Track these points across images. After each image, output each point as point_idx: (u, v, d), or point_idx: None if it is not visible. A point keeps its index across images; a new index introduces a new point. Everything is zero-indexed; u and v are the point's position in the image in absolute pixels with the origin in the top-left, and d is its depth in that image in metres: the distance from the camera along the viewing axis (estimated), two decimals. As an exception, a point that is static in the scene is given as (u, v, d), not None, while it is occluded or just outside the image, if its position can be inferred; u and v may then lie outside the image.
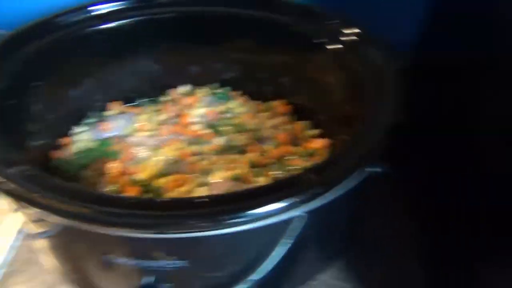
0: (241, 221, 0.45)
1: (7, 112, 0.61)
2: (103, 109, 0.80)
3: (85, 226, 0.48)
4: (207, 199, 0.45)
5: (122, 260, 0.53)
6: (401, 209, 0.76)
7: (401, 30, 0.78)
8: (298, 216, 0.50)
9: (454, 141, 0.63)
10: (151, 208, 0.45)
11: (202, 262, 0.52)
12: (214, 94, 0.81)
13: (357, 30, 0.64)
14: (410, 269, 0.68)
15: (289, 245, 0.56)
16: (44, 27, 0.70)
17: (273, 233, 0.54)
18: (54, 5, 0.73)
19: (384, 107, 0.56)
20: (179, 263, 0.51)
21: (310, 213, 0.51)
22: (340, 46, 0.64)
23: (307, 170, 0.48)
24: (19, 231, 0.75)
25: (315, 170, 0.48)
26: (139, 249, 0.52)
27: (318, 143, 0.71)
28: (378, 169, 0.55)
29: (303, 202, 0.47)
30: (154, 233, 0.47)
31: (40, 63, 0.68)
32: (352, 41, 0.63)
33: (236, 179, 0.67)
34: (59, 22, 0.72)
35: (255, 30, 0.72)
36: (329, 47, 0.65)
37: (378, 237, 0.72)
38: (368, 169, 0.52)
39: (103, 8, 0.74)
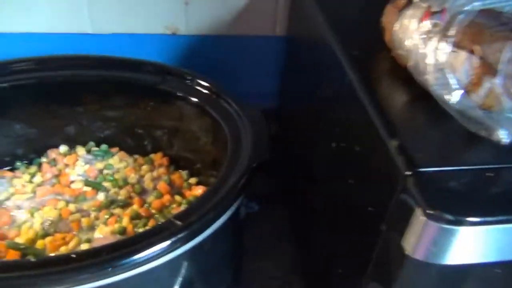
0: (113, 272, 0.49)
1: None
2: (-24, 175, 0.79)
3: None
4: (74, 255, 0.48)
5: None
6: (282, 239, 0.83)
7: (262, 85, 0.89)
8: (174, 259, 0.54)
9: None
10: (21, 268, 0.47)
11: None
12: (93, 152, 0.84)
13: (212, 85, 0.72)
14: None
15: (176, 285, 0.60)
16: None
17: (157, 276, 0.57)
18: None
19: (243, 149, 0.63)
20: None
21: (188, 254, 0.56)
22: (200, 99, 0.71)
23: (174, 217, 0.53)
24: None
25: (181, 215, 0.53)
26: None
27: (197, 190, 0.76)
28: (253, 207, 0.62)
29: (172, 247, 0.51)
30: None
31: None
32: (209, 94, 0.71)
33: (120, 232, 0.70)
34: None
35: (126, 89, 0.77)
36: (191, 100, 0.72)
37: (268, 273, 0.79)
38: (240, 208, 0.58)
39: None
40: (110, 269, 0.49)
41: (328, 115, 0.61)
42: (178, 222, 0.52)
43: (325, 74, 0.62)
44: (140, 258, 0.50)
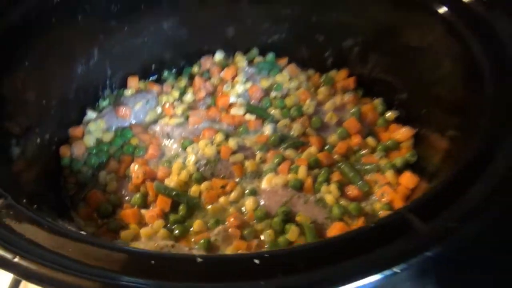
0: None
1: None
2: (120, 85, 0.65)
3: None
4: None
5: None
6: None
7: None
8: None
9: None
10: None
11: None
12: (256, 64, 0.64)
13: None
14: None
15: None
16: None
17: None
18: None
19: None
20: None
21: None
22: (457, 12, 0.45)
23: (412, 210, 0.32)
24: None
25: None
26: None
27: (402, 134, 0.54)
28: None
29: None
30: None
31: (23, 35, 0.52)
32: (477, 9, 0.44)
33: (295, 186, 0.51)
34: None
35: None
36: (439, 10, 0.46)
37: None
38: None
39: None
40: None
41: None
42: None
43: None
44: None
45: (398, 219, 0.34)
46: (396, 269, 0.31)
